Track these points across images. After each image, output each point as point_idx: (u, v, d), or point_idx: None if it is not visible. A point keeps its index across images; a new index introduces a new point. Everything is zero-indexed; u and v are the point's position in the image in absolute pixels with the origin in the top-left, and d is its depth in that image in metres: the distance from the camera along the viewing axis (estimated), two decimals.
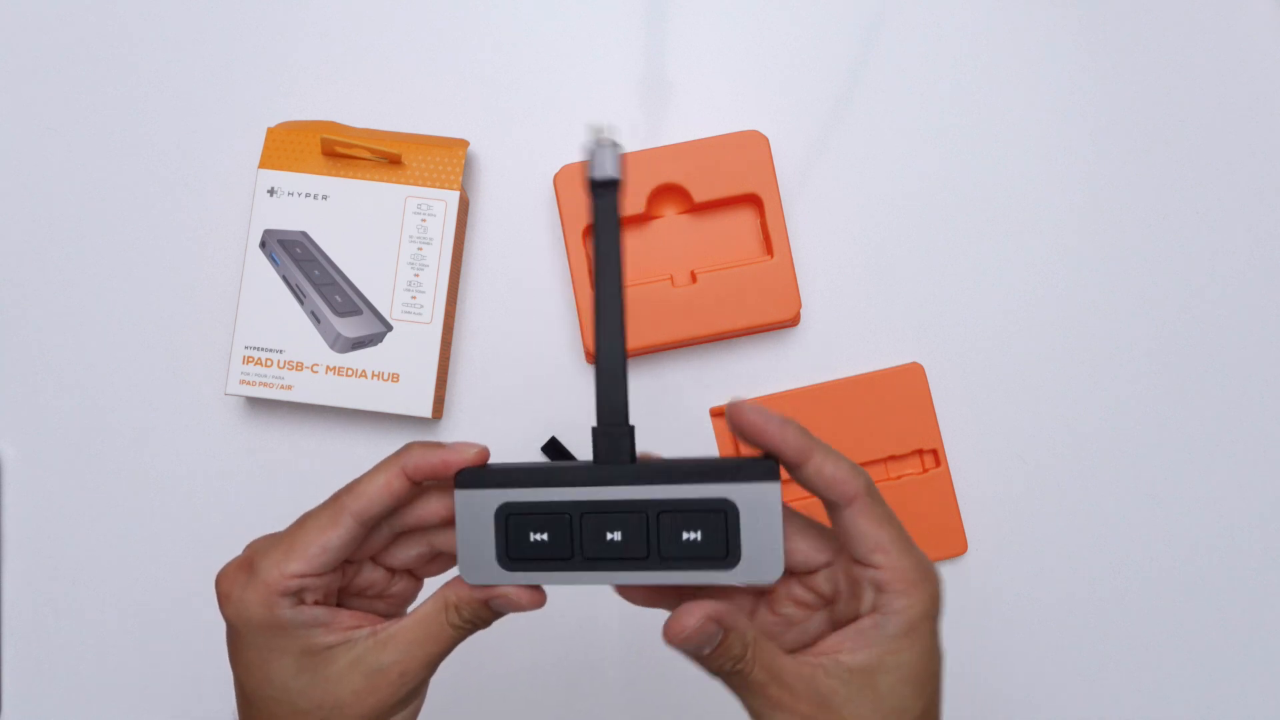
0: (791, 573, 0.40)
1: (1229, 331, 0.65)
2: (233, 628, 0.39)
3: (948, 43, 0.67)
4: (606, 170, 0.37)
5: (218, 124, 0.66)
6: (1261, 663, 0.64)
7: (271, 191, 0.63)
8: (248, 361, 0.62)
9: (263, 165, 0.63)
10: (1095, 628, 0.64)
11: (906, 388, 0.63)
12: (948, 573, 0.64)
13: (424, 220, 0.62)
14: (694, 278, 0.63)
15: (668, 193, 0.63)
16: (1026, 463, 0.65)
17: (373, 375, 0.62)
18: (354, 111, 0.66)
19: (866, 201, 0.66)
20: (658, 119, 0.66)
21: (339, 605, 0.41)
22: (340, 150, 0.62)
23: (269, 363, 0.62)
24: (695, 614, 0.36)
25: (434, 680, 0.41)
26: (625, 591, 0.41)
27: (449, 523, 0.40)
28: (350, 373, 0.62)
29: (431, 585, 0.41)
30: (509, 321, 0.65)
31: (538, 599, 0.39)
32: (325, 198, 0.63)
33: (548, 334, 0.65)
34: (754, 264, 0.63)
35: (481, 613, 0.39)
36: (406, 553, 0.41)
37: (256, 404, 0.65)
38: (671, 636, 0.37)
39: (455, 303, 0.65)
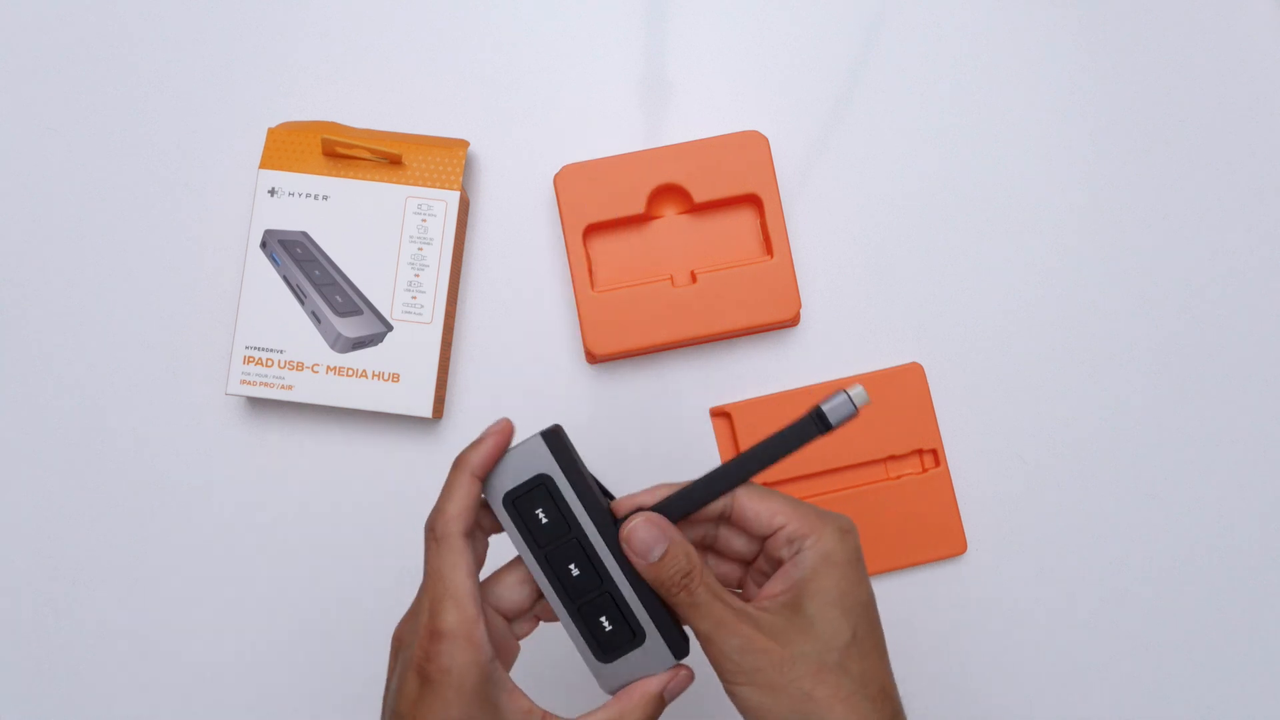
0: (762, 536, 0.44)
1: (1229, 331, 0.65)
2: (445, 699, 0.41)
3: (948, 43, 0.67)
4: (839, 416, 0.43)
5: (218, 124, 0.66)
6: (1261, 663, 0.64)
7: (272, 192, 0.63)
8: (248, 361, 0.62)
9: (263, 165, 0.63)
10: (1095, 628, 0.64)
11: (906, 388, 0.63)
12: (948, 573, 0.64)
13: (424, 220, 0.62)
14: (694, 278, 0.63)
15: (668, 193, 0.63)
16: (1026, 463, 0.65)
17: (373, 375, 0.62)
18: (354, 111, 0.66)
19: (866, 201, 0.66)
20: (658, 119, 0.66)
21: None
22: (341, 150, 0.62)
23: (269, 363, 0.62)
24: (646, 518, 0.42)
25: None
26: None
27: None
28: (350, 373, 0.62)
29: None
30: (509, 321, 0.65)
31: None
32: (326, 198, 0.63)
33: (548, 334, 0.65)
34: (754, 264, 0.63)
35: None
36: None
37: (257, 404, 0.65)
38: (625, 535, 0.42)
39: (455, 303, 0.65)
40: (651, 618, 0.44)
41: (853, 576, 0.42)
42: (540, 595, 0.45)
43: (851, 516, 0.60)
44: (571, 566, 0.44)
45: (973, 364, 0.65)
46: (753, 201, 0.64)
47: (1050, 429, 0.65)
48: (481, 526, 0.45)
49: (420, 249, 0.62)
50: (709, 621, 0.41)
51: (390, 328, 0.62)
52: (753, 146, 0.63)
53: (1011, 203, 0.66)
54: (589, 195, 0.62)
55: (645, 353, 0.64)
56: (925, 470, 0.64)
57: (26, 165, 0.66)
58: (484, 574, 0.46)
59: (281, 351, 0.62)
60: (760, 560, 0.45)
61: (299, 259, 0.62)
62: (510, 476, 0.44)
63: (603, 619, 0.44)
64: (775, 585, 0.42)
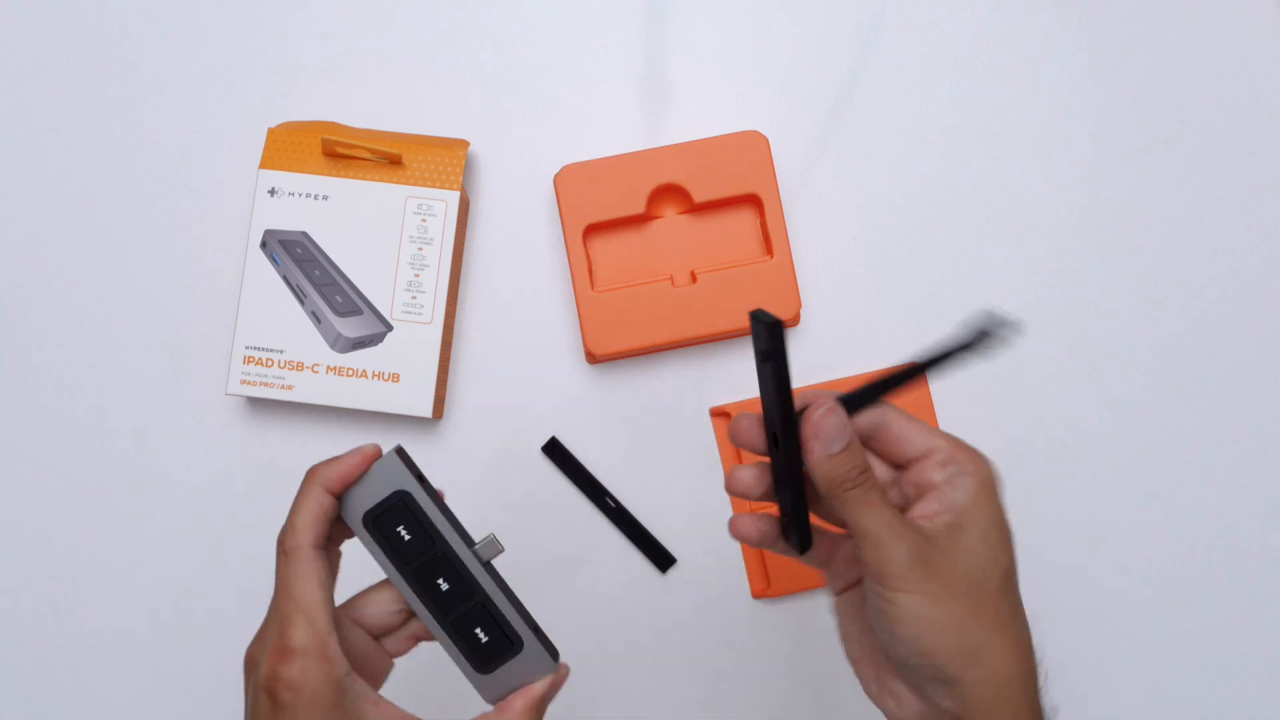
0: (899, 466, 0.43)
1: (1229, 331, 0.65)
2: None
3: (948, 43, 0.67)
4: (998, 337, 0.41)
5: (218, 124, 0.66)
6: (1261, 662, 0.64)
7: (272, 192, 0.63)
8: (248, 361, 0.62)
9: (263, 165, 0.63)
10: (1095, 628, 0.64)
11: (906, 388, 0.63)
12: None
13: (424, 220, 0.62)
14: (694, 278, 0.63)
15: (668, 193, 0.63)
16: (1027, 462, 0.65)
17: (373, 375, 0.62)
18: (354, 111, 0.66)
19: (866, 201, 0.66)
20: (658, 119, 0.66)
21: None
22: (341, 150, 0.62)
23: (269, 363, 0.62)
24: (831, 408, 0.40)
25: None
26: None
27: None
28: (351, 373, 0.62)
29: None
30: (509, 321, 0.65)
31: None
32: (326, 198, 0.63)
33: (548, 334, 0.65)
34: (754, 264, 0.63)
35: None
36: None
37: (257, 404, 0.65)
38: (815, 421, 0.40)
39: (455, 303, 0.65)
40: (527, 624, 0.44)
41: (1004, 512, 0.41)
42: (412, 613, 0.45)
43: None
44: (440, 581, 0.43)
45: (972, 364, 0.65)
46: (753, 201, 0.64)
47: (1050, 429, 0.65)
48: (333, 538, 0.44)
49: (420, 249, 0.62)
50: (878, 521, 0.39)
51: (390, 328, 0.62)
52: (753, 146, 0.63)
53: (1011, 203, 0.66)
54: (589, 195, 0.62)
55: (645, 353, 0.64)
56: None
57: (26, 165, 0.66)
58: (352, 590, 0.45)
59: (281, 351, 0.62)
60: (902, 482, 0.43)
61: (299, 259, 0.62)
62: (367, 496, 0.43)
63: (478, 630, 0.43)
64: (931, 505, 0.41)
